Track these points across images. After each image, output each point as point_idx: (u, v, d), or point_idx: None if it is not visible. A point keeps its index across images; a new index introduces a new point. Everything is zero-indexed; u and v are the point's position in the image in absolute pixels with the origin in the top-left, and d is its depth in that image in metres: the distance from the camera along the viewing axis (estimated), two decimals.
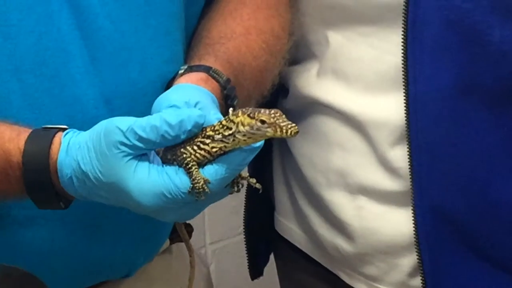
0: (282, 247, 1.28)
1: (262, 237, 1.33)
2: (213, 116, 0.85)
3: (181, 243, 1.13)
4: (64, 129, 0.85)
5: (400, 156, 1.06)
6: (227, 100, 0.95)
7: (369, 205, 1.10)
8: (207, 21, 1.04)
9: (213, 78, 0.94)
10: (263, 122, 0.80)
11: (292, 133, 0.80)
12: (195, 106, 0.87)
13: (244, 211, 1.33)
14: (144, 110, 0.87)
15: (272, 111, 0.81)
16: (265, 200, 1.30)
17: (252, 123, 0.80)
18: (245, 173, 0.87)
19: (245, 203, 1.32)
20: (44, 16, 0.89)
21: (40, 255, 0.95)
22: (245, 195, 1.32)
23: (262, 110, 0.81)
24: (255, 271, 1.38)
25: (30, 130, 0.85)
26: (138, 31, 0.94)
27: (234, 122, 0.81)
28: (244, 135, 0.81)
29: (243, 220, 1.34)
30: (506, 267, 1.08)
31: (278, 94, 1.23)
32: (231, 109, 0.89)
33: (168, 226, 1.08)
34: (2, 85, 0.88)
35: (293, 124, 0.80)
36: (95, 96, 0.91)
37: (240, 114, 0.81)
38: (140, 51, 0.94)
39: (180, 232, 1.03)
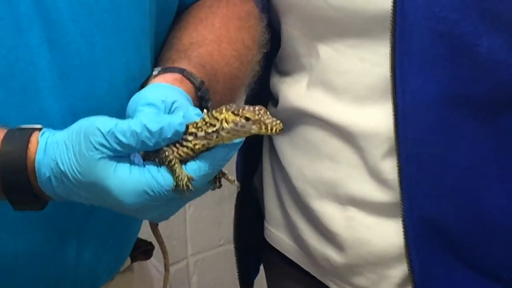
0: (272, 256, 1.28)
1: (252, 248, 1.33)
2: (192, 111, 0.84)
3: (143, 261, 1.12)
4: (39, 129, 0.85)
5: (390, 167, 1.06)
6: (201, 102, 0.94)
7: (359, 216, 1.10)
8: (177, 29, 1.04)
9: (188, 79, 0.93)
10: (247, 119, 0.80)
11: (277, 130, 0.80)
12: (171, 104, 0.86)
13: (234, 222, 1.33)
14: None
15: (257, 108, 0.80)
16: (254, 210, 1.30)
17: (236, 120, 0.80)
18: (224, 169, 0.86)
19: (234, 213, 1.32)
20: (13, 29, 0.88)
21: (3, 269, 0.94)
22: (235, 205, 1.32)
23: (247, 107, 0.80)
24: (246, 283, 1.38)
25: (5, 131, 0.84)
26: (108, 46, 0.93)
27: (217, 119, 0.81)
28: (228, 132, 0.81)
29: (233, 230, 1.34)
30: (496, 277, 1.08)
31: (266, 103, 1.23)
32: (205, 110, 0.89)
33: (132, 238, 1.08)
34: None
35: (278, 121, 0.80)
36: (63, 110, 0.90)
37: (224, 111, 0.81)
38: (109, 66, 0.93)
39: (155, 235, 1.03)
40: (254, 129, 0.80)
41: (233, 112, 0.80)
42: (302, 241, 1.19)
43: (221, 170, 0.85)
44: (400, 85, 1.02)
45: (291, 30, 1.14)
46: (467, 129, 1.03)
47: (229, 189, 0.88)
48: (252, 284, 1.39)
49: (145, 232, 1.09)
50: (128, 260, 1.09)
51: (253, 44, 1.05)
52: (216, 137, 0.81)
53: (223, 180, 0.87)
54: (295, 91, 1.14)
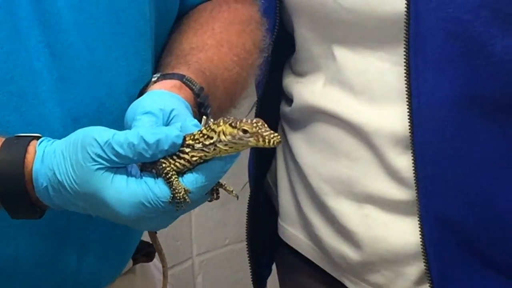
0: (285, 253, 1.28)
1: (265, 247, 1.34)
2: (190, 123, 0.84)
3: (145, 263, 1.12)
4: (37, 137, 0.84)
5: (406, 165, 1.07)
6: (201, 108, 0.94)
7: (376, 214, 1.11)
8: (177, 34, 1.03)
9: (187, 85, 0.93)
10: (245, 131, 0.79)
11: (275, 142, 0.79)
12: (170, 113, 0.86)
13: (246, 220, 1.33)
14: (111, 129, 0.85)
15: (254, 120, 0.80)
16: (267, 207, 1.31)
17: (234, 132, 0.80)
18: (222, 180, 0.86)
19: (247, 212, 1.32)
20: (13, 33, 0.88)
21: (3, 274, 0.93)
22: (248, 203, 1.32)
23: (244, 120, 0.80)
24: (259, 282, 1.38)
25: (3, 139, 0.84)
26: (108, 50, 0.93)
27: (215, 131, 0.80)
28: (225, 145, 0.80)
29: (246, 229, 1.34)
30: None
31: (279, 104, 1.24)
32: (204, 117, 0.88)
33: (133, 242, 1.07)
34: None
35: (276, 134, 0.79)
36: (63, 115, 0.90)
37: (221, 123, 0.80)
38: (109, 70, 0.93)
39: (154, 242, 1.03)
40: (252, 141, 0.80)
41: (230, 125, 0.80)
42: (317, 239, 1.19)
43: (218, 182, 0.85)
44: (415, 85, 1.03)
45: (305, 32, 1.14)
46: (482, 129, 1.03)
47: (235, 189, 0.88)
48: (265, 283, 1.40)
49: (147, 234, 1.09)
50: (130, 262, 1.09)
51: (254, 48, 1.05)
52: (214, 149, 0.81)
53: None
54: (310, 90, 1.15)
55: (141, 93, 0.94)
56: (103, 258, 1.00)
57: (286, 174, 1.24)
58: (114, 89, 0.93)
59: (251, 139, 0.79)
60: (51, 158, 0.82)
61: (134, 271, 1.11)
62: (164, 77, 0.94)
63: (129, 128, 0.86)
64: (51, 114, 0.90)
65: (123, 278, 1.07)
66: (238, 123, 0.80)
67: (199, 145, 0.81)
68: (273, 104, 1.25)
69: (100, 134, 0.80)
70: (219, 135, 0.80)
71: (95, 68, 0.92)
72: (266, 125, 0.80)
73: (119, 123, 0.89)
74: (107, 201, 0.81)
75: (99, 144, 0.80)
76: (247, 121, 0.80)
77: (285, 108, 1.23)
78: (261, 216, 1.32)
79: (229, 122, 0.80)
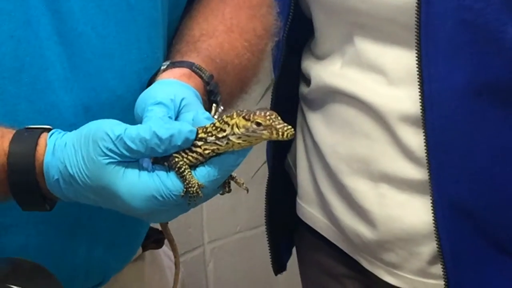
0: (303, 231, 1.30)
1: (284, 228, 1.35)
2: (202, 116, 0.84)
3: (154, 250, 1.12)
4: (48, 129, 0.84)
5: (420, 145, 1.08)
6: (210, 96, 0.93)
7: (391, 193, 1.12)
8: (188, 19, 1.03)
9: (196, 74, 0.92)
10: (258, 124, 0.79)
11: (288, 135, 0.79)
12: (180, 102, 0.86)
13: (265, 201, 1.34)
14: (123, 117, 0.85)
15: (268, 113, 0.79)
16: (287, 187, 1.32)
17: (247, 125, 0.79)
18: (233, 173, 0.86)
19: (266, 193, 1.33)
20: (23, 21, 0.87)
21: None
22: (267, 184, 1.33)
23: (258, 112, 0.80)
24: (279, 265, 1.40)
25: (14, 131, 0.84)
26: (119, 37, 0.92)
27: (228, 124, 0.80)
28: (239, 138, 0.80)
29: (265, 210, 1.34)
30: None
31: (297, 85, 1.25)
32: (214, 105, 0.88)
33: (143, 231, 1.07)
34: None
35: (289, 126, 0.79)
36: (74, 103, 0.90)
37: (235, 115, 0.80)
38: (121, 58, 0.93)
39: (165, 233, 1.03)
40: (265, 134, 0.79)
41: (244, 117, 0.79)
42: (334, 217, 1.21)
43: (230, 175, 0.84)
44: (426, 72, 1.03)
45: (322, 18, 1.16)
46: (492, 116, 1.04)
47: (246, 177, 0.87)
48: (285, 266, 1.41)
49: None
50: (140, 249, 1.09)
51: (265, 33, 1.04)
52: (227, 143, 0.80)
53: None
54: (328, 71, 1.16)
55: (150, 82, 0.93)
56: (113, 246, 1.00)
57: (305, 154, 1.26)
58: (126, 76, 0.93)
59: (264, 131, 0.79)
60: (62, 151, 0.81)
61: (143, 258, 1.11)
62: (173, 65, 0.93)
63: (140, 118, 0.85)
64: (62, 102, 0.89)
65: (132, 265, 1.07)
66: (251, 115, 0.79)
67: (212, 138, 0.81)
68: (289, 86, 1.26)
69: (112, 128, 0.80)
70: (232, 128, 0.80)
71: (106, 56, 0.91)
72: (279, 118, 0.79)
73: (131, 111, 0.88)
74: (119, 194, 0.80)
75: (111, 138, 0.79)
76: (260, 114, 0.79)
77: (303, 89, 1.24)
78: (280, 197, 1.33)
79: (243, 115, 0.80)
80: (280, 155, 1.32)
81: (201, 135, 0.81)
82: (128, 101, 0.92)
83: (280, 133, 0.79)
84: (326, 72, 1.17)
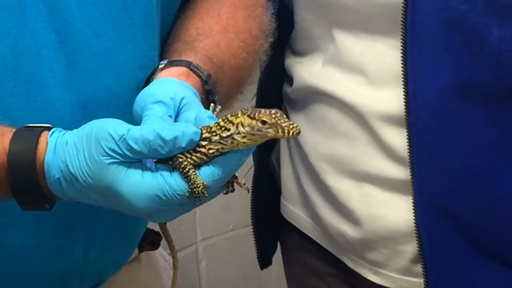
0: (288, 232, 1.30)
1: (269, 225, 1.35)
2: (204, 114, 0.83)
3: (150, 251, 1.12)
4: (48, 128, 0.83)
5: (402, 145, 1.08)
6: (208, 95, 0.93)
7: (375, 192, 1.12)
8: (183, 19, 1.02)
9: (194, 73, 0.92)
10: (264, 122, 0.79)
11: (294, 133, 0.79)
12: (180, 101, 0.85)
13: (251, 199, 1.34)
14: (120, 115, 0.84)
15: (273, 111, 0.79)
16: (271, 187, 1.32)
17: (252, 123, 0.79)
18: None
19: (252, 191, 1.33)
20: (20, 18, 0.87)
21: (11, 263, 0.93)
22: (252, 183, 1.33)
23: (263, 110, 0.79)
24: (264, 259, 1.40)
25: (14, 130, 0.83)
26: (116, 36, 0.92)
27: (233, 123, 0.80)
28: (243, 137, 0.80)
29: (251, 208, 1.35)
30: (505, 261, 1.09)
31: (282, 83, 1.25)
32: (212, 104, 0.88)
33: (139, 231, 1.07)
34: None
35: (295, 124, 0.79)
36: (70, 102, 0.89)
37: (239, 114, 0.80)
38: (117, 56, 0.92)
39: (163, 233, 1.02)
40: (271, 132, 0.79)
41: (249, 116, 0.79)
42: (318, 217, 1.21)
43: (233, 174, 0.84)
44: (411, 72, 1.03)
45: (304, 13, 1.15)
46: (477, 116, 1.04)
47: (240, 175, 0.87)
48: (270, 261, 1.41)
49: (152, 222, 1.08)
50: (136, 251, 1.09)
51: (261, 33, 1.04)
52: (231, 142, 0.80)
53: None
54: (309, 70, 1.16)
55: (148, 81, 0.93)
56: (110, 247, 1.00)
57: (288, 154, 1.26)
58: (122, 75, 0.93)
59: (270, 130, 0.79)
60: (63, 150, 0.81)
61: (139, 260, 1.11)
62: (171, 63, 0.93)
63: (139, 117, 0.85)
64: (58, 101, 0.89)
65: (128, 267, 1.07)
66: (256, 114, 0.79)
67: (216, 138, 0.80)
68: (274, 84, 1.26)
69: (115, 128, 0.79)
70: (237, 127, 0.79)
71: (102, 54, 0.91)
72: (285, 116, 0.79)
73: (128, 110, 0.88)
74: (122, 194, 0.80)
75: (113, 138, 0.79)
76: (265, 112, 0.79)
77: (286, 89, 1.24)
78: (265, 196, 1.33)
79: (248, 113, 0.79)
80: (265, 154, 1.32)
81: (206, 134, 0.81)
82: (124, 99, 0.92)
83: (286, 131, 0.79)
84: (307, 72, 1.16)
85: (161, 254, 1.17)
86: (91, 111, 0.90)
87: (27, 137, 0.82)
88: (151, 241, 1.11)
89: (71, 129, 0.83)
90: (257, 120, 0.79)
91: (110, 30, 0.92)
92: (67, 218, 0.93)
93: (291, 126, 0.79)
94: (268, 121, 0.79)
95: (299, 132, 0.79)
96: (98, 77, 0.91)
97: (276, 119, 0.79)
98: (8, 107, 0.87)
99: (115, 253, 1.02)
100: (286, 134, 0.79)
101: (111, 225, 0.98)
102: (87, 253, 0.97)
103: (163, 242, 1.09)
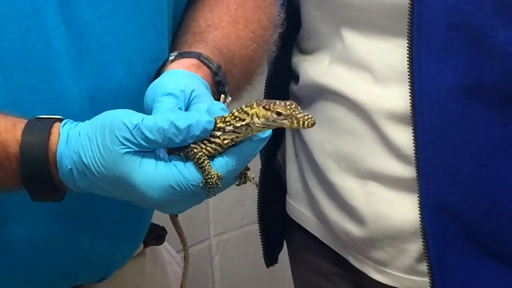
0: (294, 230, 1.30)
1: (275, 223, 1.35)
2: (217, 106, 0.84)
3: (155, 246, 1.12)
4: (59, 119, 0.84)
5: (407, 143, 1.07)
6: (219, 86, 0.93)
7: (379, 191, 1.12)
8: (193, 11, 1.02)
9: (204, 64, 0.92)
10: (279, 113, 0.79)
11: (309, 124, 0.79)
12: (190, 94, 0.86)
13: (257, 197, 1.33)
14: (129, 108, 0.84)
15: (288, 103, 0.80)
16: (278, 185, 1.31)
17: (267, 115, 0.79)
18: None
19: (258, 189, 1.33)
20: (31, 10, 0.87)
21: (18, 255, 0.93)
22: (259, 181, 1.32)
23: (278, 102, 0.80)
24: (270, 258, 1.40)
25: (26, 121, 0.83)
26: (126, 28, 0.92)
27: (248, 114, 0.80)
28: (258, 127, 0.80)
29: (257, 206, 1.34)
30: (510, 261, 1.09)
31: (289, 81, 1.25)
32: (222, 95, 0.89)
33: (145, 224, 1.07)
34: None
35: (310, 116, 0.79)
36: (80, 94, 0.90)
37: (254, 105, 0.80)
38: (127, 48, 0.92)
39: (175, 226, 1.02)
40: (286, 123, 0.79)
41: (264, 107, 0.79)
42: (322, 215, 1.20)
43: (246, 165, 0.85)
44: (417, 72, 1.03)
45: (312, 11, 1.15)
46: (483, 117, 1.04)
47: (252, 169, 0.87)
48: (276, 259, 1.41)
49: (157, 217, 1.08)
50: (141, 245, 1.09)
51: (270, 24, 1.04)
52: (245, 129, 0.80)
53: None
54: (316, 68, 1.16)
55: (158, 72, 0.93)
56: (117, 240, 1.00)
57: (294, 152, 1.26)
58: (132, 67, 0.93)
59: (285, 121, 0.79)
60: (76, 141, 0.81)
61: (144, 254, 1.11)
62: (181, 55, 0.93)
63: (149, 109, 0.85)
64: (68, 93, 0.89)
65: (133, 261, 1.07)
66: (271, 105, 0.79)
67: (230, 127, 0.81)
68: (281, 82, 1.25)
69: (129, 117, 0.80)
70: (252, 118, 0.80)
71: (112, 46, 0.91)
72: (299, 107, 0.79)
73: (138, 102, 0.88)
74: (135, 184, 0.80)
75: (128, 128, 0.79)
76: (280, 104, 0.79)
77: (293, 86, 1.24)
78: (271, 193, 1.33)
79: (263, 105, 0.80)
80: (272, 153, 1.32)
81: (220, 124, 0.81)
82: (134, 91, 0.92)
83: (301, 122, 0.79)
84: (313, 69, 1.16)
85: (166, 249, 1.17)
86: (101, 103, 0.90)
87: (39, 128, 0.82)
88: (156, 235, 1.11)
89: (81, 121, 0.83)
90: (272, 111, 0.79)
91: (120, 22, 0.92)
92: (75, 210, 0.93)
93: (306, 117, 0.79)
94: (283, 112, 0.79)
95: (314, 123, 0.79)
96: (108, 69, 0.91)
97: (291, 110, 0.79)
98: (19, 99, 0.87)
99: (121, 246, 1.02)
100: (301, 125, 0.79)
101: (118, 218, 0.98)
102: (94, 246, 0.97)
103: (172, 236, 1.09)
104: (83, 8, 0.89)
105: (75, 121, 0.84)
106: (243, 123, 0.80)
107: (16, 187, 0.84)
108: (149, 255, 1.12)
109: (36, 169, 0.82)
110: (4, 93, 0.86)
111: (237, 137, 0.81)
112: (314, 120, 0.79)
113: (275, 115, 0.79)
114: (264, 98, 1.24)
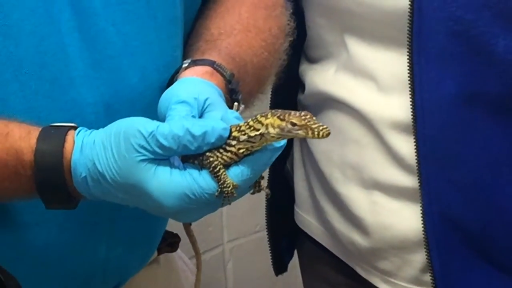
0: (303, 238, 1.30)
1: (284, 232, 1.35)
2: (231, 115, 0.83)
3: (169, 254, 1.12)
4: (73, 127, 0.84)
5: (410, 153, 1.07)
6: (232, 94, 0.93)
7: (383, 201, 1.12)
8: (204, 19, 1.03)
9: (218, 72, 0.92)
10: (294, 124, 0.79)
11: (324, 134, 0.79)
12: (204, 102, 0.86)
13: (266, 206, 1.33)
14: (143, 115, 0.84)
15: (303, 113, 0.79)
16: (287, 194, 1.31)
17: (282, 125, 0.79)
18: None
19: (266, 199, 1.32)
20: (46, 17, 0.87)
21: (34, 262, 0.93)
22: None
23: (293, 112, 0.80)
24: (279, 266, 1.39)
25: (40, 129, 0.83)
26: (140, 35, 0.92)
27: (262, 124, 0.80)
28: (273, 137, 0.80)
29: (265, 214, 1.34)
30: None
31: (295, 90, 1.25)
32: (236, 103, 0.88)
33: (160, 232, 1.07)
34: (2, 87, 0.86)
35: (325, 126, 0.79)
36: (95, 101, 0.90)
37: (269, 115, 0.80)
38: (141, 56, 0.93)
39: (188, 234, 1.02)
40: (301, 134, 0.79)
41: (279, 117, 0.79)
42: (329, 225, 1.20)
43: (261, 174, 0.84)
44: (418, 81, 1.03)
45: (317, 19, 1.16)
46: (484, 126, 1.04)
47: (266, 177, 0.87)
48: (286, 267, 1.41)
49: (170, 224, 1.08)
50: (155, 253, 1.09)
51: (280, 33, 1.04)
52: (260, 139, 0.80)
53: None
54: (322, 77, 1.16)
55: (171, 80, 0.93)
56: (131, 247, 1.00)
57: (301, 161, 1.25)
58: (147, 74, 0.93)
59: (299, 131, 0.79)
60: (90, 149, 0.81)
61: (158, 262, 1.11)
62: (195, 63, 0.93)
63: (163, 116, 0.85)
64: (83, 100, 0.89)
65: (147, 269, 1.08)
66: (286, 115, 0.79)
67: (245, 137, 0.81)
68: (288, 91, 1.25)
69: (144, 125, 0.79)
70: (267, 127, 0.80)
71: (127, 53, 0.91)
72: (314, 118, 0.79)
73: (151, 109, 0.88)
74: (150, 192, 0.80)
75: (143, 135, 0.79)
76: (295, 114, 0.79)
77: (299, 95, 1.24)
78: (280, 202, 1.32)
79: (277, 115, 0.80)
80: (280, 162, 1.32)
81: (235, 134, 0.81)
82: (148, 98, 0.92)
83: (316, 133, 0.79)
84: (319, 78, 1.16)
85: (180, 256, 1.17)
86: (115, 110, 0.90)
87: (53, 136, 0.82)
88: (169, 243, 1.11)
89: (95, 128, 0.83)
90: (287, 121, 0.79)
91: (134, 29, 0.92)
92: (91, 218, 0.93)
93: (321, 128, 0.79)
94: (298, 123, 0.79)
95: (329, 133, 0.79)
96: (122, 76, 0.91)
97: (306, 120, 0.79)
98: (33, 106, 0.87)
99: (136, 253, 1.02)
100: (316, 135, 0.79)
101: (134, 225, 0.98)
102: (109, 253, 0.97)
103: (185, 244, 1.09)
104: (97, 15, 0.90)
105: (90, 128, 0.84)
106: (258, 133, 0.80)
107: (30, 195, 0.84)
108: (163, 262, 1.12)
109: (50, 176, 0.82)
110: (19, 100, 0.86)
111: (252, 146, 0.81)
112: (329, 130, 0.79)
113: (290, 126, 0.79)
114: (270, 107, 1.25)
